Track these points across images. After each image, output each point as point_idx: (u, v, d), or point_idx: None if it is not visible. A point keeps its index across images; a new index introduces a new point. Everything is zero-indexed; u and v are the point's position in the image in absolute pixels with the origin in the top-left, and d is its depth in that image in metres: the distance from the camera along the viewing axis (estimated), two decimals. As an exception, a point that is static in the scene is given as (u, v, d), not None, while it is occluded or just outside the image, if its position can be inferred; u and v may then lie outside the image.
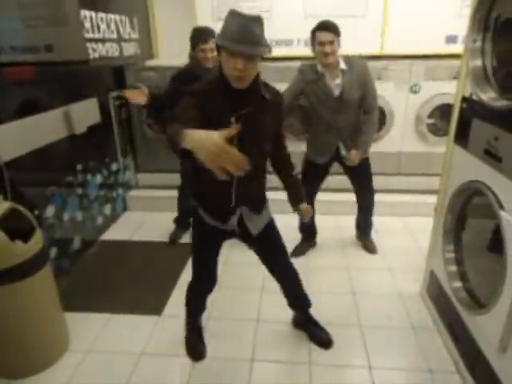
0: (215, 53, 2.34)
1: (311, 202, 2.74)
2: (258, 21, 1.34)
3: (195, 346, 2.00)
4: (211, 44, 2.34)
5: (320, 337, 2.03)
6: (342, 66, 2.31)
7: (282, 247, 1.87)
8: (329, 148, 2.51)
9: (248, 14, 1.33)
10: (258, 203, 1.71)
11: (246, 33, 1.31)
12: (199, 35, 2.40)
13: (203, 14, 3.38)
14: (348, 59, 2.35)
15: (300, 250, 2.85)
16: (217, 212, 1.64)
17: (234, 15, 1.35)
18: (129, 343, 2.04)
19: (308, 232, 2.87)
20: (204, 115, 1.33)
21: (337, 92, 2.35)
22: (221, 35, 1.36)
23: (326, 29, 2.21)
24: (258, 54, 1.36)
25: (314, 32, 2.25)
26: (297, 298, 2.03)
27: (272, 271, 1.91)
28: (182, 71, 2.56)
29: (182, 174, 2.93)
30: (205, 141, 1.03)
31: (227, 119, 1.40)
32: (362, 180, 2.69)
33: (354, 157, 2.48)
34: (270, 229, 1.80)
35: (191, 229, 1.77)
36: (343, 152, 2.53)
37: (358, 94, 2.37)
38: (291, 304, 2.04)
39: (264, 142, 1.57)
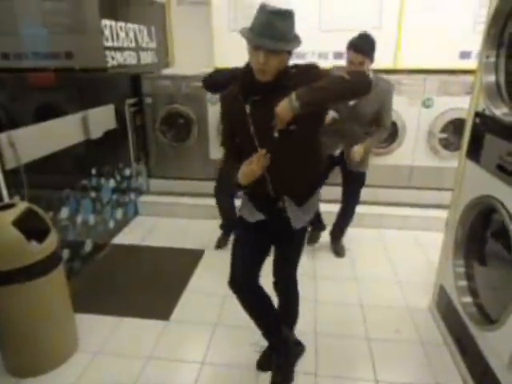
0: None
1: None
2: (282, 15, 1.33)
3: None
4: None
5: (274, 363, 1.85)
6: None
7: (295, 260, 1.79)
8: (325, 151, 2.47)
9: (274, 9, 1.32)
10: (298, 194, 1.62)
11: (267, 27, 1.31)
12: None
13: (219, 25, 3.45)
14: (376, 76, 2.35)
15: (314, 237, 2.93)
16: (259, 203, 1.63)
17: (260, 9, 1.35)
18: (137, 346, 2.06)
19: (317, 221, 2.91)
20: (228, 115, 1.58)
21: (351, 102, 2.37)
22: (248, 28, 1.38)
23: (358, 51, 2.21)
24: (276, 49, 1.34)
25: (348, 46, 2.27)
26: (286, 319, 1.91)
27: (276, 282, 1.82)
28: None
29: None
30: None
31: (243, 107, 1.46)
32: (353, 185, 2.73)
33: (355, 150, 2.42)
34: (300, 234, 1.72)
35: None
36: (337, 153, 2.54)
37: (371, 109, 2.39)
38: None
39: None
